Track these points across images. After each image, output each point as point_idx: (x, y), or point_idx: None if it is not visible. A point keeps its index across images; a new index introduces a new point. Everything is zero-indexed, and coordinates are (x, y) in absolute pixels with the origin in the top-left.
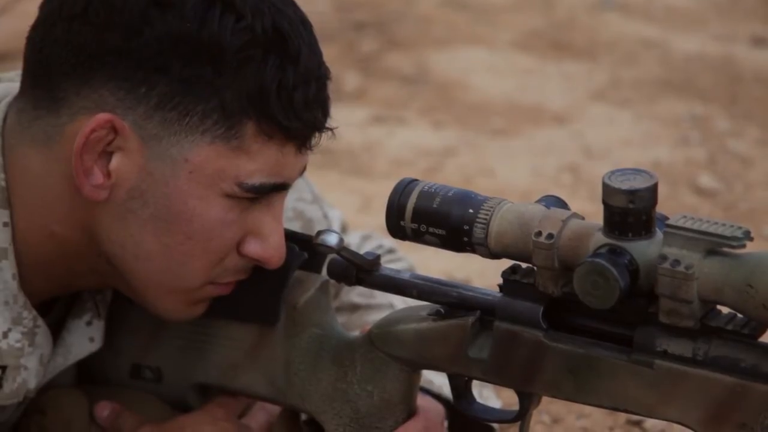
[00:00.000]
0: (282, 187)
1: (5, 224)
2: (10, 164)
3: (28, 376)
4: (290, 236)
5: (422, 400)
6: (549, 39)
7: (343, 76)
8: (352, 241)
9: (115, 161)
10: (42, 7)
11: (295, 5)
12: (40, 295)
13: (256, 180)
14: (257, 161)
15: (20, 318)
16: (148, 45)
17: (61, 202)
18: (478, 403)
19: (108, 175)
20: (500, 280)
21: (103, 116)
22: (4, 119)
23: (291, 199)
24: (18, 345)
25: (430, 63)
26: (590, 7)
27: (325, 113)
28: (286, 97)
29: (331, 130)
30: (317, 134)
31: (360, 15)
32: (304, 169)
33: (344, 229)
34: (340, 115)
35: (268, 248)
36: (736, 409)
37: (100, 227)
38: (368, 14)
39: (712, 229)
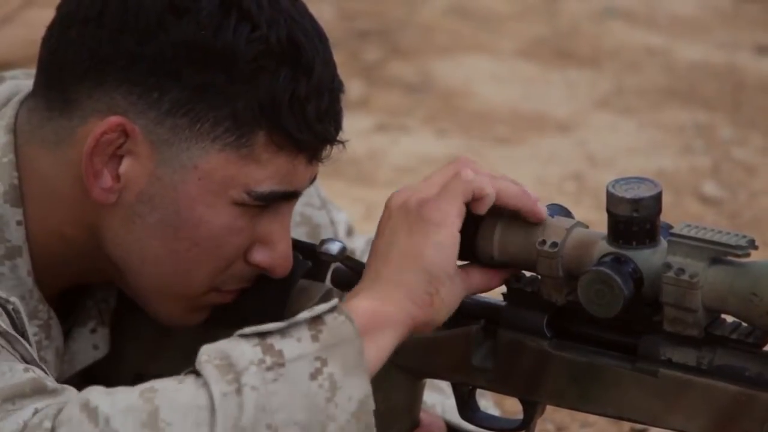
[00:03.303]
0: (292, 196)
1: (19, 222)
2: (21, 164)
3: (49, 369)
4: (294, 245)
5: (425, 415)
6: (553, 47)
7: (347, 85)
8: (358, 245)
9: (125, 165)
10: (59, 9)
11: (311, 17)
12: (50, 290)
13: (266, 188)
14: (267, 170)
15: (36, 311)
16: (162, 51)
17: (70, 203)
18: (482, 412)
19: (117, 178)
20: (504, 289)
21: (114, 119)
22: (16, 117)
23: (299, 204)
24: (36, 338)
25: (434, 71)
26: (594, 15)
27: (338, 126)
28: (299, 109)
29: (343, 142)
30: (328, 146)
31: (364, 23)
32: (315, 178)
33: (350, 232)
34: (343, 124)
35: (276, 257)
36: (740, 417)
37: (108, 230)
38: (372, 23)
39: (716, 238)
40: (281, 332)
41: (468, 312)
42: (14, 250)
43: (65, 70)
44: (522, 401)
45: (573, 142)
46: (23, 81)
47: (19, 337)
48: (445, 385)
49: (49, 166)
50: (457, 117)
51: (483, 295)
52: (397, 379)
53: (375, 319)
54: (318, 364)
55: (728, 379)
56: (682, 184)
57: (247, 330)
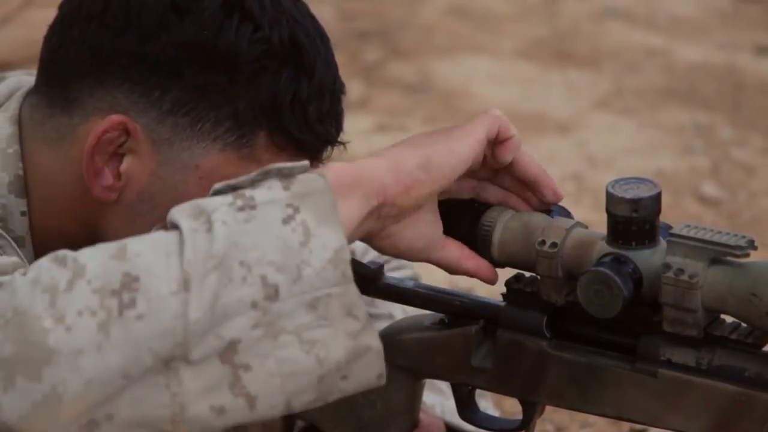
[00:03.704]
0: None
1: (23, 213)
2: (25, 156)
3: None
4: None
5: (424, 415)
6: (552, 47)
7: (347, 85)
8: (358, 246)
9: (126, 163)
10: (61, 7)
11: (313, 18)
12: None
13: None
14: None
15: None
16: (164, 50)
17: (70, 200)
18: (482, 412)
19: (118, 176)
20: (504, 289)
21: (115, 117)
22: (20, 110)
23: None
24: None
25: (434, 72)
26: (594, 16)
27: (339, 127)
28: (300, 110)
29: (344, 144)
30: (329, 147)
31: (364, 24)
32: None
33: None
34: (344, 124)
35: None
36: (740, 418)
37: (108, 228)
38: (372, 23)
39: (715, 238)
40: (252, 183)
41: (467, 312)
42: (17, 241)
43: (67, 68)
44: (521, 401)
45: (572, 143)
46: (25, 77)
47: (11, 241)
48: (445, 386)
49: (51, 163)
50: (456, 117)
51: (482, 295)
52: (397, 380)
53: (346, 180)
54: (290, 211)
55: (728, 380)
56: (681, 184)
57: (218, 185)
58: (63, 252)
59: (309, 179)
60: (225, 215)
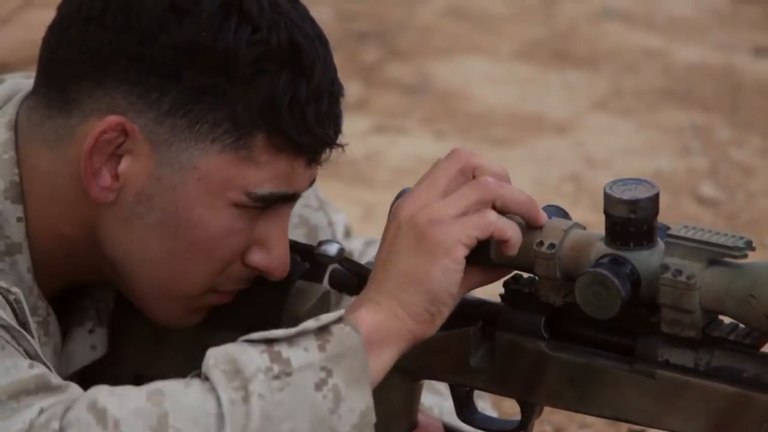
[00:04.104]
0: (291, 198)
1: (19, 219)
2: (22, 161)
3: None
4: (292, 246)
5: (423, 416)
6: (550, 48)
7: (345, 86)
8: (356, 246)
9: (124, 164)
10: (60, 8)
11: (312, 20)
12: (49, 289)
13: (265, 189)
14: (266, 172)
15: (36, 308)
16: (163, 51)
17: (68, 202)
18: (480, 413)
19: (116, 177)
20: (502, 290)
21: (114, 118)
22: (17, 115)
23: (297, 206)
24: (35, 334)
25: (432, 73)
26: (591, 17)
27: (337, 129)
28: (299, 112)
29: (342, 146)
30: (328, 149)
31: (362, 25)
32: (314, 180)
33: (348, 233)
34: (342, 125)
35: (273, 259)
36: (738, 418)
37: (106, 230)
38: (370, 24)
39: (713, 239)
40: (288, 341)
41: (466, 313)
42: (14, 247)
43: (65, 69)
44: (520, 402)
45: (570, 144)
46: (24, 80)
47: (24, 332)
48: (443, 387)
49: (49, 165)
50: (455, 118)
51: (481, 296)
52: (395, 381)
53: (379, 333)
54: (323, 375)
55: (726, 381)
56: (679, 185)
57: (255, 336)
58: (102, 401)
59: (344, 336)
60: (261, 386)
